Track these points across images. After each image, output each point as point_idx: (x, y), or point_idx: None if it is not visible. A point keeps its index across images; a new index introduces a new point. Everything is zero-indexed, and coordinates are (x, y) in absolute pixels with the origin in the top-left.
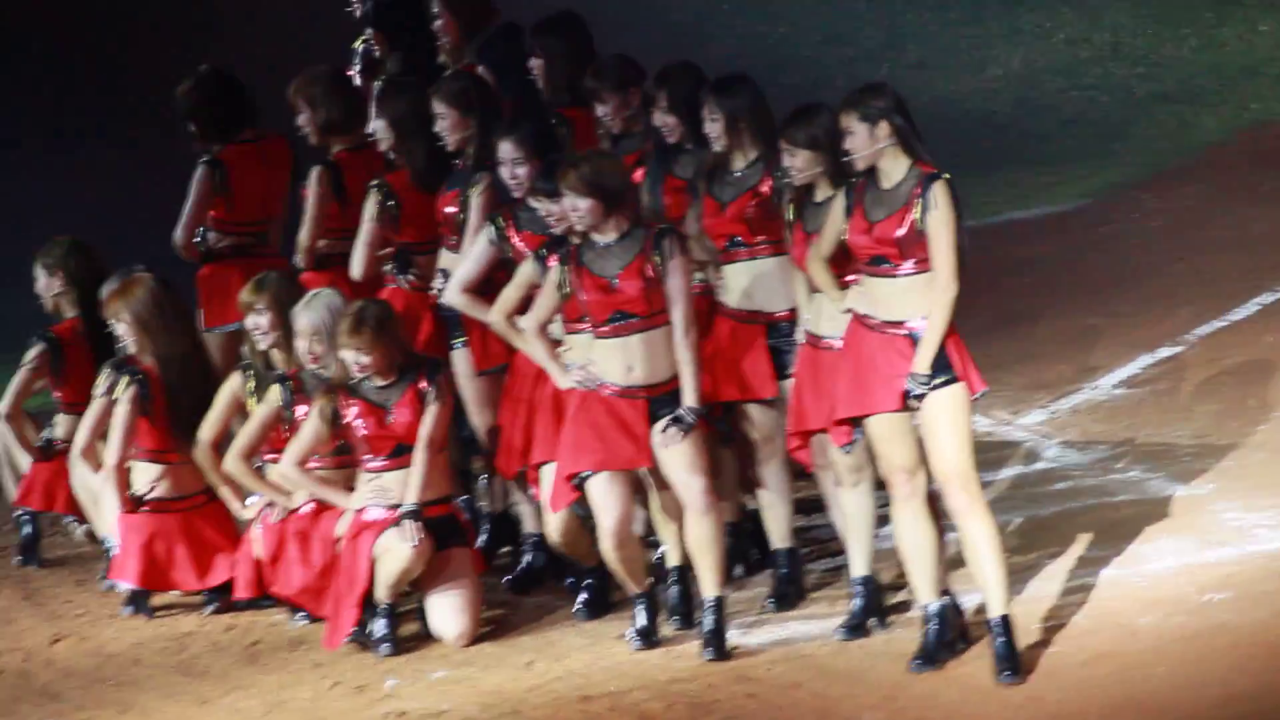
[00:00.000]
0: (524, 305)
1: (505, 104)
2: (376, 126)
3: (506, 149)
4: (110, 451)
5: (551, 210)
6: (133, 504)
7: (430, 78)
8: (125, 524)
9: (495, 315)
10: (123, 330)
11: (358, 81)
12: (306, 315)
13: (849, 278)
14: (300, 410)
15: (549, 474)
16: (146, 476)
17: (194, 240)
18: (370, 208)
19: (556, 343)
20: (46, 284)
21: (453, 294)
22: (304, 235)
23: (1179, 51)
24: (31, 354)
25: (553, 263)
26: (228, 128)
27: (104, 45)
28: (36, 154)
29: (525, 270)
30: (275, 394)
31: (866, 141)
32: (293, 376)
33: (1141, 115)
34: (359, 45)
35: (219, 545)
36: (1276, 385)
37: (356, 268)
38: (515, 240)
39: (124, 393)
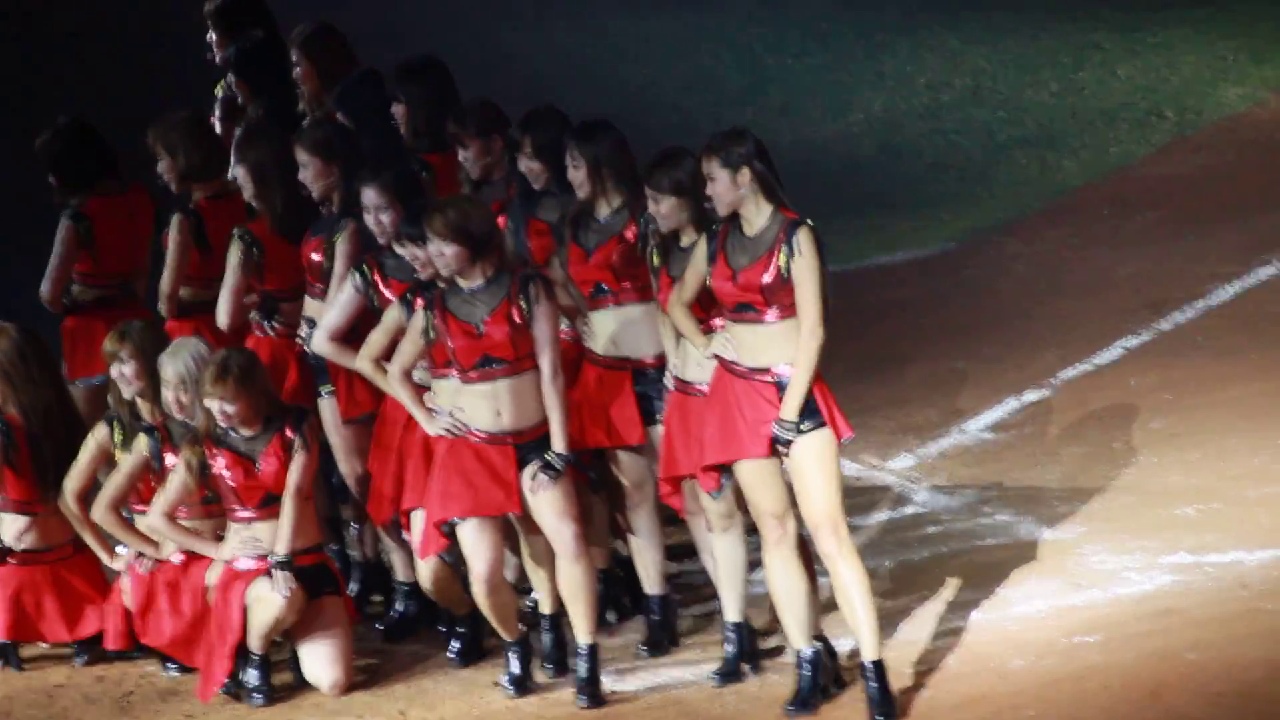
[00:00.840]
0: (390, 350)
1: (366, 151)
2: (237, 173)
3: (370, 195)
4: None
5: (417, 255)
6: None
7: (291, 125)
8: None
9: (362, 360)
10: None
11: (219, 128)
12: (172, 364)
13: (716, 321)
14: (168, 460)
15: (420, 519)
16: (14, 528)
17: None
18: (234, 256)
19: (423, 389)
20: None
21: (320, 342)
22: (166, 283)
23: (1039, 95)
24: None
25: (419, 307)
26: (90, 179)
27: None
28: None
29: (391, 315)
30: (143, 444)
31: (728, 188)
32: (159, 426)
33: (1003, 159)
34: (219, 91)
35: (88, 596)
36: (1142, 429)
37: (223, 316)
38: (382, 288)
39: None
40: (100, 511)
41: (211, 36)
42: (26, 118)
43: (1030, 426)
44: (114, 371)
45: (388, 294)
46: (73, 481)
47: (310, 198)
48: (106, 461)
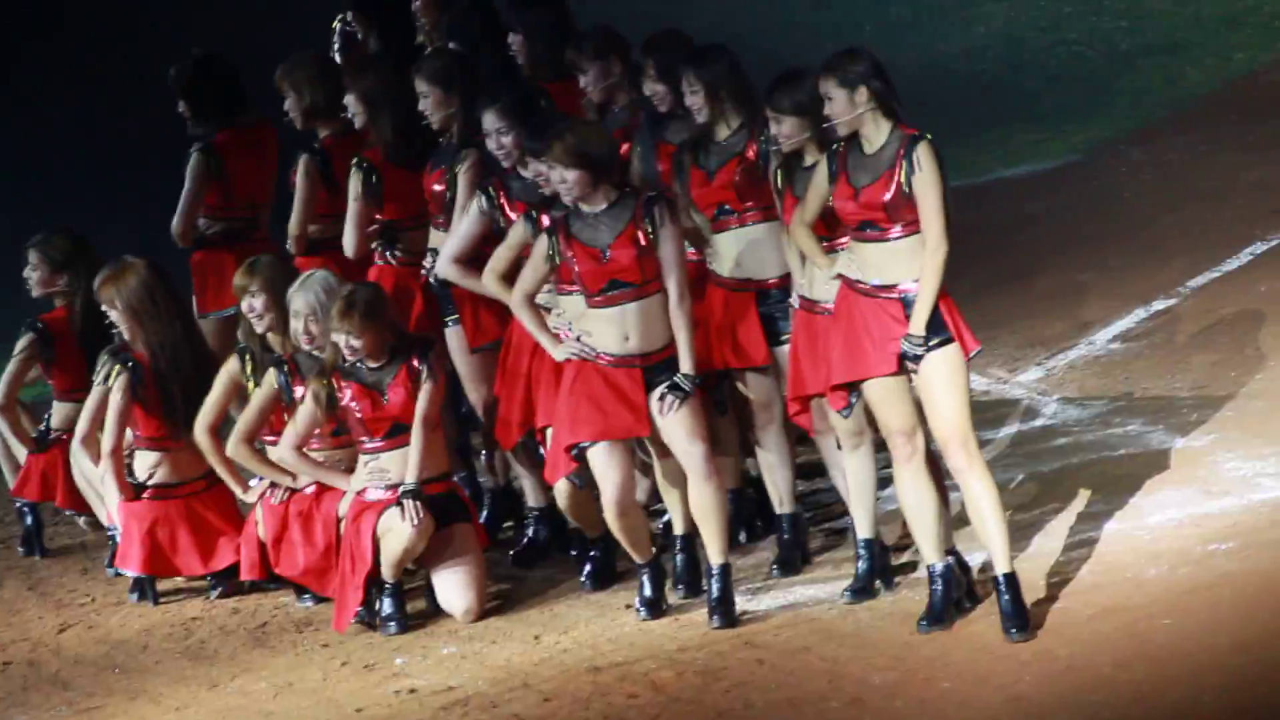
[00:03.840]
0: (515, 267)
1: (484, 77)
2: (348, 102)
3: (490, 119)
4: (105, 439)
5: (540, 170)
6: (133, 491)
7: (411, 57)
8: (127, 511)
9: (487, 276)
10: (115, 317)
11: (338, 60)
12: (302, 296)
13: (840, 241)
14: (298, 392)
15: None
16: (145, 463)
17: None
18: (354, 185)
19: (545, 310)
20: (45, 277)
21: (444, 266)
22: (294, 222)
23: (1161, 4)
24: (22, 343)
25: (543, 230)
26: (222, 112)
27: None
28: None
29: (517, 231)
30: (273, 377)
31: (846, 107)
32: (289, 359)
33: (1127, 68)
34: (337, 25)
35: (221, 529)
36: (1272, 334)
37: (349, 246)
38: (508, 210)
39: (117, 381)
40: (234, 445)
41: None
42: (153, 57)
43: (1159, 335)
44: (244, 305)
45: (513, 216)
46: (205, 416)
47: (424, 126)
48: (238, 394)
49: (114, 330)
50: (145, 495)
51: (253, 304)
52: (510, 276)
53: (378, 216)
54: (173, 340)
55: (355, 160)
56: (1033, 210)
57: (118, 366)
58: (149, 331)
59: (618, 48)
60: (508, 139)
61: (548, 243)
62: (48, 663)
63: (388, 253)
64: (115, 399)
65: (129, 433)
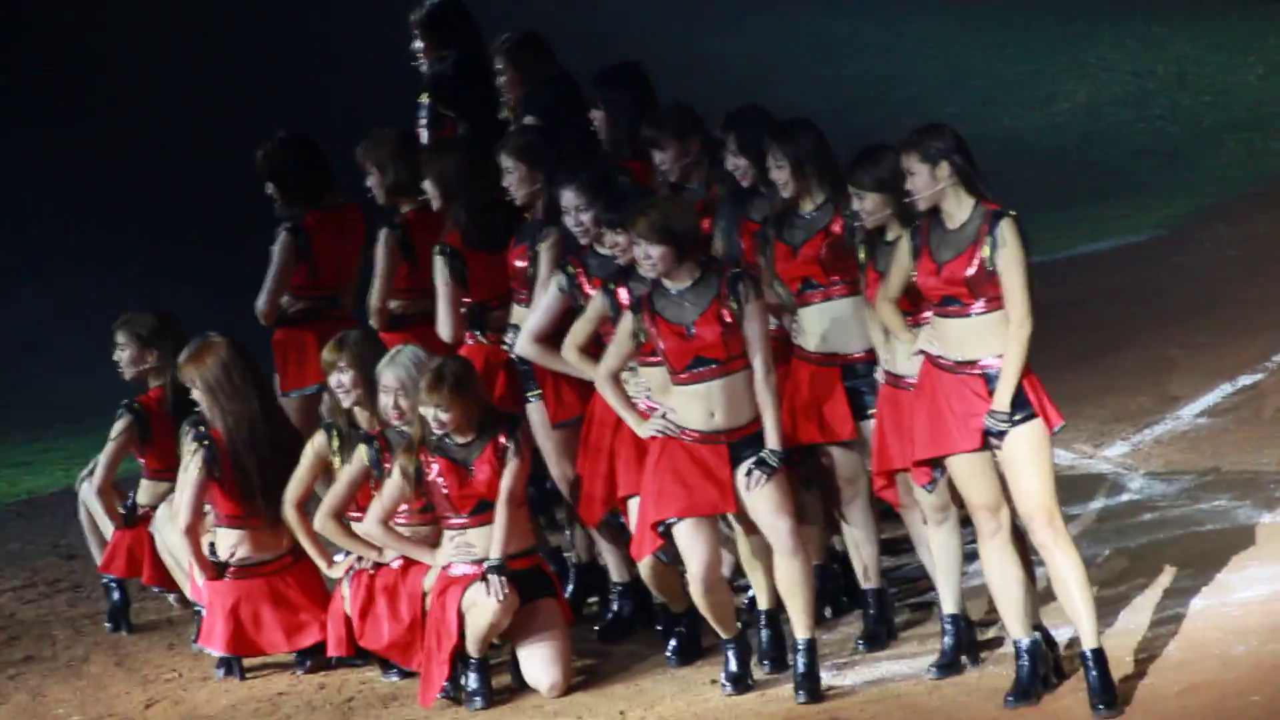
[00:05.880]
0: (594, 340)
1: (567, 153)
2: (425, 185)
3: (569, 196)
4: (180, 516)
5: (617, 241)
6: (215, 569)
7: (495, 135)
8: (211, 590)
9: (567, 350)
10: (197, 396)
11: (424, 137)
12: (391, 371)
13: (924, 315)
14: (388, 468)
15: (636, 507)
16: (227, 542)
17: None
18: (438, 271)
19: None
20: (135, 355)
21: (524, 344)
22: (375, 297)
23: (1244, 78)
24: (119, 426)
25: (625, 309)
26: (310, 192)
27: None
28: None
29: (595, 304)
30: (363, 453)
31: (928, 182)
32: (378, 435)
33: (1211, 144)
34: (424, 99)
35: (306, 606)
36: None
37: (444, 331)
38: (587, 288)
39: (193, 459)
40: (321, 520)
41: (418, 45)
42: (239, 136)
43: (1245, 410)
44: (332, 380)
45: (591, 293)
46: (292, 491)
47: (501, 206)
48: (324, 470)
49: (198, 408)
50: (229, 574)
51: (341, 379)
52: (588, 350)
53: (465, 299)
54: (249, 419)
55: (437, 246)
56: (1117, 285)
57: (194, 445)
58: (226, 411)
59: (696, 127)
60: (586, 216)
61: (633, 320)
62: None
63: (476, 332)
64: (190, 476)
65: (211, 512)
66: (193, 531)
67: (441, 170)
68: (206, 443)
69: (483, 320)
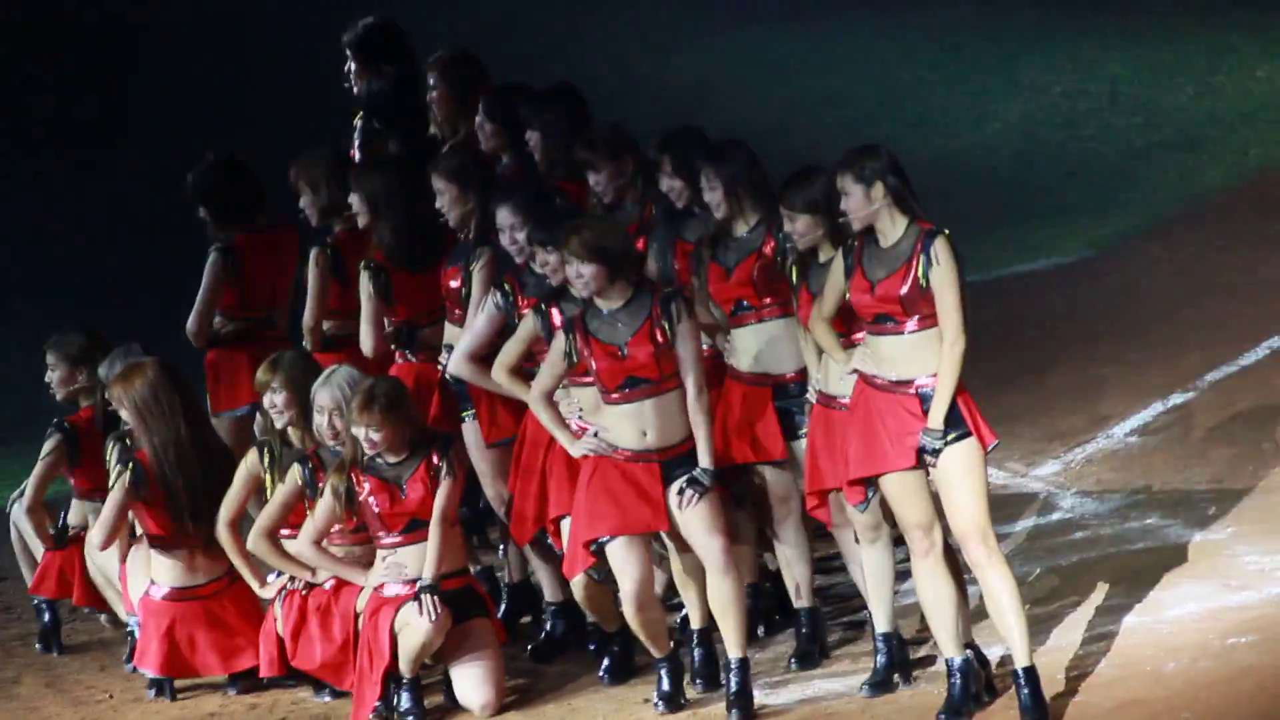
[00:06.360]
0: (525, 360)
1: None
2: (352, 201)
3: (504, 215)
4: (96, 532)
5: (548, 260)
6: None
7: (427, 151)
8: (146, 611)
9: (498, 370)
10: (125, 416)
11: (358, 158)
12: (326, 391)
13: (857, 335)
14: (322, 488)
15: (568, 527)
16: (161, 566)
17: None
18: (364, 285)
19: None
20: (65, 375)
21: (458, 363)
22: (308, 316)
23: (1176, 99)
24: (49, 445)
25: (558, 329)
26: (242, 214)
27: (102, 145)
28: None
29: (527, 324)
30: (296, 473)
31: (862, 202)
32: (313, 455)
33: (1143, 164)
34: (358, 121)
35: (241, 629)
36: None
37: (366, 346)
38: (522, 306)
39: (118, 481)
40: (255, 540)
41: (351, 67)
42: (168, 156)
43: (1177, 429)
44: (266, 401)
45: (526, 312)
46: (226, 510)
47: (430, 225)
48: (257, 490)
49: (124, 425)
50: (163, 596)
51: (274, 400)
52: (519, 370)
53: (389, 315)
54: (175, 441)
55: (364, 261)
56: (1049, 305)
57: (119, 466)
58: (153, 432)
59: (630, 148)
60: (521, 235)
61: (565, 341)
62: None
63: (406, 350)
64: (114, 496)
65: (144, 536)
66: (107, 545)
67: (370, 187)
68: (131, 464)
69: (412, 339)
